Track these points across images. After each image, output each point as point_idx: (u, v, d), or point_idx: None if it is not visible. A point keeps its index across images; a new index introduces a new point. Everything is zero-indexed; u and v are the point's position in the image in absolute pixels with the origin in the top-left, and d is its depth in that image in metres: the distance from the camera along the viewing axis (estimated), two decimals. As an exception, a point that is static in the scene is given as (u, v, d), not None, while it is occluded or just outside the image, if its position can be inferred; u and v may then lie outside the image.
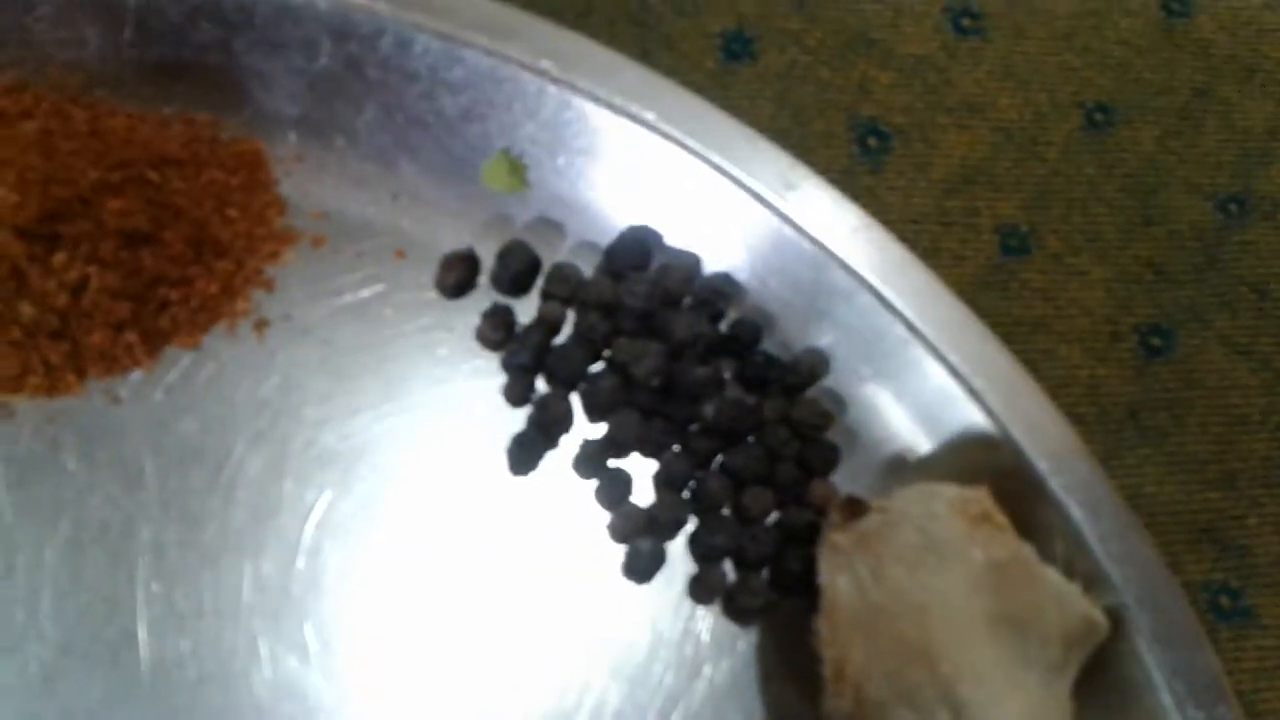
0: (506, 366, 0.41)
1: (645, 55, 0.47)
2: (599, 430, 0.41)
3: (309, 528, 0.38)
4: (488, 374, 0.41)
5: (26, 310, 0.36)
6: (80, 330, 0.37)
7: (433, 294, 0.42)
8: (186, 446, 0.38)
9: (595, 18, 0.47)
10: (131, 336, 0.38)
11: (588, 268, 0.43)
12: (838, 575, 0.33)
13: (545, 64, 0.42)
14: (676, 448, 0.41)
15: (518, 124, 0.42)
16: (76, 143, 0.38)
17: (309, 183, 0.42)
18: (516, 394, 0.41)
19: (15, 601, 0.36)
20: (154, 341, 0.38)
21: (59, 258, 0.36)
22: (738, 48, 0.49)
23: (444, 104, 0.42)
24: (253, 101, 0.42)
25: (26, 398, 0.37)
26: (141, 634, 0.36)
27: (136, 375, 0.38)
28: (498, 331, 0.41)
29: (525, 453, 0.40)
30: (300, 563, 0.38)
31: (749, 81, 0.48)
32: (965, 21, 0.51)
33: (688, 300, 0.42)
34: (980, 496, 0.34)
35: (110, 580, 0.36)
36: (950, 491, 0.34)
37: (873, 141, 0.48)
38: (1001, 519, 0.34)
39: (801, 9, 0.50)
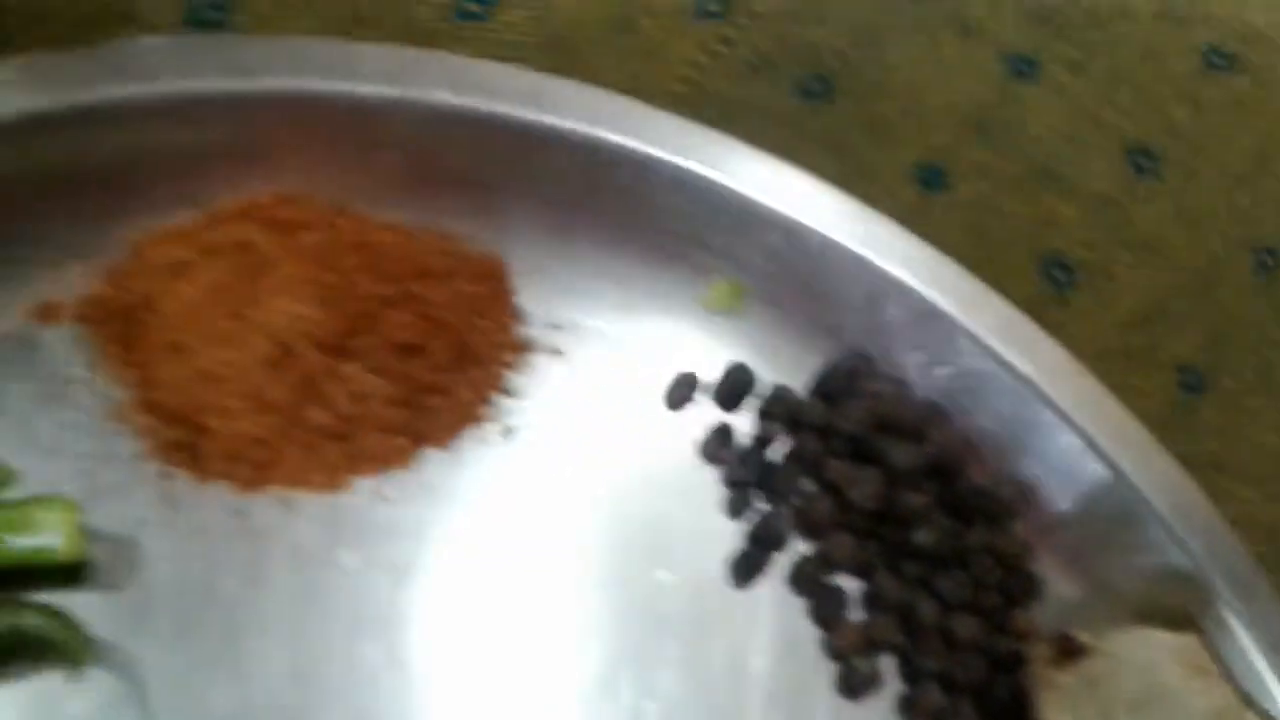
0: (729, 482, 0.44)
1: (844, 182, 0.50)
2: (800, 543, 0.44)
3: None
4: (703, 485, 0.44)
5: (316, 415, 0.39)
6: (358, 434, 0.40)
7: (658, 405, 0.45)
8: (451, 542, 0.41)
9: (805, 148, 0.51)
10: (401, 440, 0.41)
11: (798, 385, 0.46)
12: (1063, 716, 0.35)
13: (765, 195, 0.46)
14: (886, 569, 0.44)
15: (742, 250, 0.46)
16: (355, 257, 0.41)
17: (545, 295, 0.46)
18: (737, 508, 0.44)
19: (296, 677, 0.38)
20: (417, 444, 0.41)
21: (348, 368, 0.39)
22: (931, 178, 0.52)
23: (675, 228, 0.46)
24: (496, 216, 0.46)
25: (306, 493, 0.40)
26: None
27: (400, 474, 0.42)
28: (722, 448, 0.44)
29: (748, 566, 0.43)
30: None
31: (943, 211, 0.51)
32: (1143, 160, 0.54)
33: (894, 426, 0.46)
34: (1197, 646, 0.36)
35: (387, 671, 0.39)
36: (1169, 639, 0.36)
37: (1058, 274, 0.51)
38: (1214, 666, 0.37)
39: (989, 143, 0.53)
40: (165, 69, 0.41)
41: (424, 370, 0.41)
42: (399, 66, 0.43)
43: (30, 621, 0.35)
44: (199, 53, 0.42)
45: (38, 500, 0.36)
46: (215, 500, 0.40)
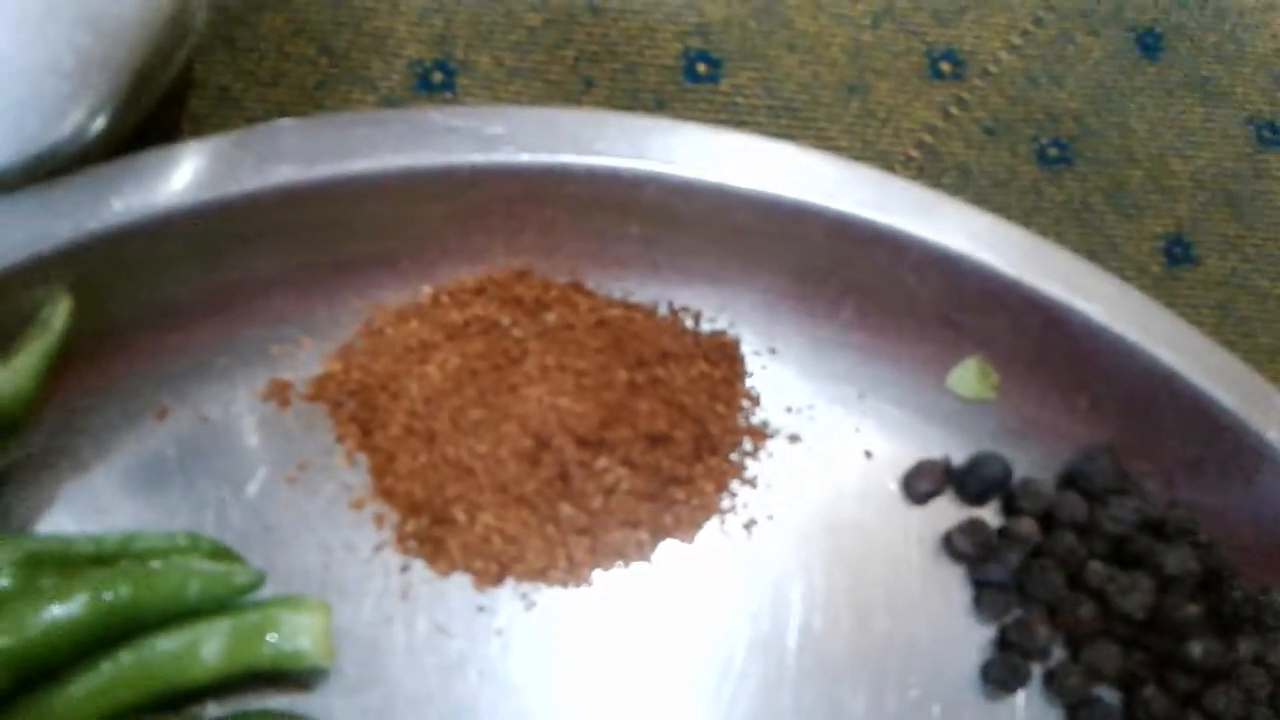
0: (981, 582, 0.42)
1: (1087, 254, 0.47)
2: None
3: None
4: (948, 583, 0.41)
5: (566, 510, 0.37)
6: (602, 528, 0.38)
7: (895, 496, 0.43)
8: (690, 638, 0.39)
9: (1045, 216, 0.48)
10: (643, 534, 0.39)
11: (1048, 477, 0.42)
12: None
13: (1024, 273, 0.43)
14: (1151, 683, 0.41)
15: (994, 332, 0.43)
16: (598, 338, 0.40)
17: (779, 377, 0.43)
18: (994, 611, 0.41)
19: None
20: (659, 537, 0.39)
21: (602, 462, 0.37)
22: (1179, 252, 0.49)
23: (921, 305, 0.43)
24: (727, 293, 0.44)
25: (546, 586, 0.39)
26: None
27: (638, 567, 0.40)
28: (973, 545, 0.42)
29: (1008, 674, 0.40)
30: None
31: (1191, 287, 0.48)
32: (1402, 234, 0.50)
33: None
34: None
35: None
36: None
37: (1316, 358, 0.48)
38: None
39: (1238, 215, 0.50)
40: (405, 140, 0.40)
41: (669, 461, 0.39)
42: (639, 136, 0.41)
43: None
44: (441, 123, 0.41)
45: (287, 602, 0.35)
46: (456, 594, 0.38)
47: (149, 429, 0.39)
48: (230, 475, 0.38)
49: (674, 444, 0.39)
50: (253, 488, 0.38)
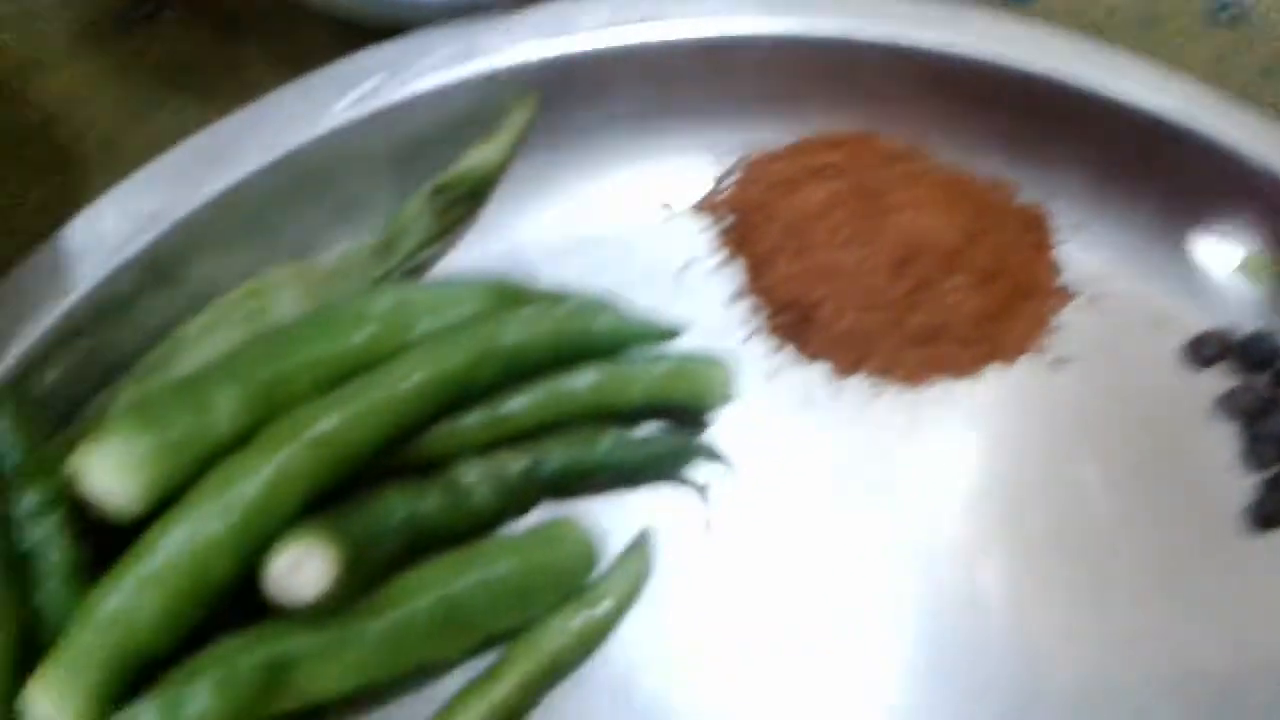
0: (1255, 435, 0.47)
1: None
2: None
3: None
4: (1223, 438, 0.46)
5: (917, 319, 0.44)
6: (941, 340, 0.45)
7: (1179, 361, 0.48)
8: (984, 463, 0.45)
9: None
10: (970, 353, 0.45)
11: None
12: None
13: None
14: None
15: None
16: (945, 191, 0.46)
17: (1080, 251, 0.49)
18: (1264, 460, 0.46)
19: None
20: (982, 361, 0.46)
21: (953, 281, 0.44)
22: None
23: (1218, 201, 0.48)
24: (1042, 173, 0.50)
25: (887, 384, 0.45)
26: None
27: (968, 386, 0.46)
28: (1251, 402, 0.47)
29: (1270, 511, 0.46)
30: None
31: None
32: None
33: None
34: None
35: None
36: None
37: None
38: None
39: None
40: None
41: (998, 297, 0.45)
42: (990, 29, 0.48)
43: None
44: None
45: (699, 355, 0.42)
46: (814, 377, 0.45)
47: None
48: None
49: (1001, 283, 0.46)
50: (677, 279, 0.46)
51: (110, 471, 0.34)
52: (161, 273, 0.41)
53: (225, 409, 0.36)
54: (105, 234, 0.41)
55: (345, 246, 0.42)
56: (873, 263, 0.44)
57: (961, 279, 0.44)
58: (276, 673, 0.34)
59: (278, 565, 0.33)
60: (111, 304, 0.40)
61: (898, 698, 0.41)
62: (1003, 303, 0.46)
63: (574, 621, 0.39)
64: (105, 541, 0.36)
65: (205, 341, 0.40)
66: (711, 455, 0.42)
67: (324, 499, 0.36)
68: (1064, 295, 0.48)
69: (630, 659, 0.40)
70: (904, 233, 0.44)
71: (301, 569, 0.33)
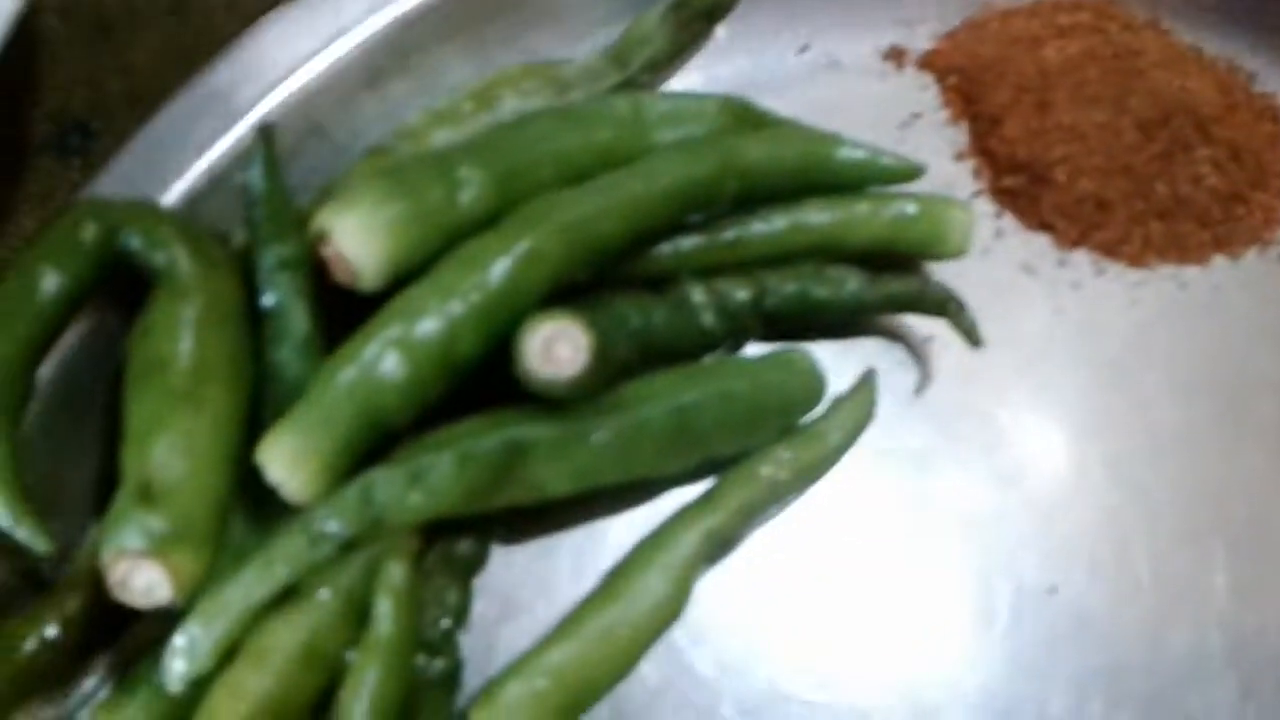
0: None
1: None
2: None
3: None
4: None
5: (1160, 188, 0.42)
6: (1179, 216, 0.43)
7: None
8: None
9: None
10: (1206, 236, 0.43)
11: None
12: None
13: None
14: None
15: None
16: (1191, 63, 0.44)
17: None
18: None
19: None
20: (1216, 248, 0.43)
21: (1203, 151, 0.42)
22: None
23: None
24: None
25: (1119, 264, 0.43)
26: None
27: (1191, 271, 0.44)
28: None
29: None
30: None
31: None
32: None
33: None
34: None
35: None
36: None
37: None
38: None
39: None
40: None
41: (1239, 178, 0.43)
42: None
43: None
44: None
45: (941, 197, 0.40)
46: (1034, 246, 0.43)
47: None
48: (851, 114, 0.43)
49: (1244, 164, 0.44)
50: (870, 131, 0.42)
51: (358, 233, 0.33)
52: (398, 58, 0.39)
53: (473, 187, 0.34)
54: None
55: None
56: (1121, 123, 0.42)
57: (1209, 152, 0.42)
58: (513, 458, 0.33)
59: (535, 339, 0.32)
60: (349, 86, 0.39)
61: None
62: (1241, 185, 0.43)
63: (797, 452, 0.37)
64: (336, 315, 0.35)
65: (437, 131, 0.38)
66: (957, 305, 0.40)
67: (561, 298, 0.35)
68: (1295, 191, 0.47)
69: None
70: (1160, 92, 0.42)
71: (557, 348, 0.32)
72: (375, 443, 0.33)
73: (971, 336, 0.40)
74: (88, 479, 0.36)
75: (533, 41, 0.42)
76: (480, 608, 0.37)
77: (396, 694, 0.33)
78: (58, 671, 0.33)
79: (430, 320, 0.32)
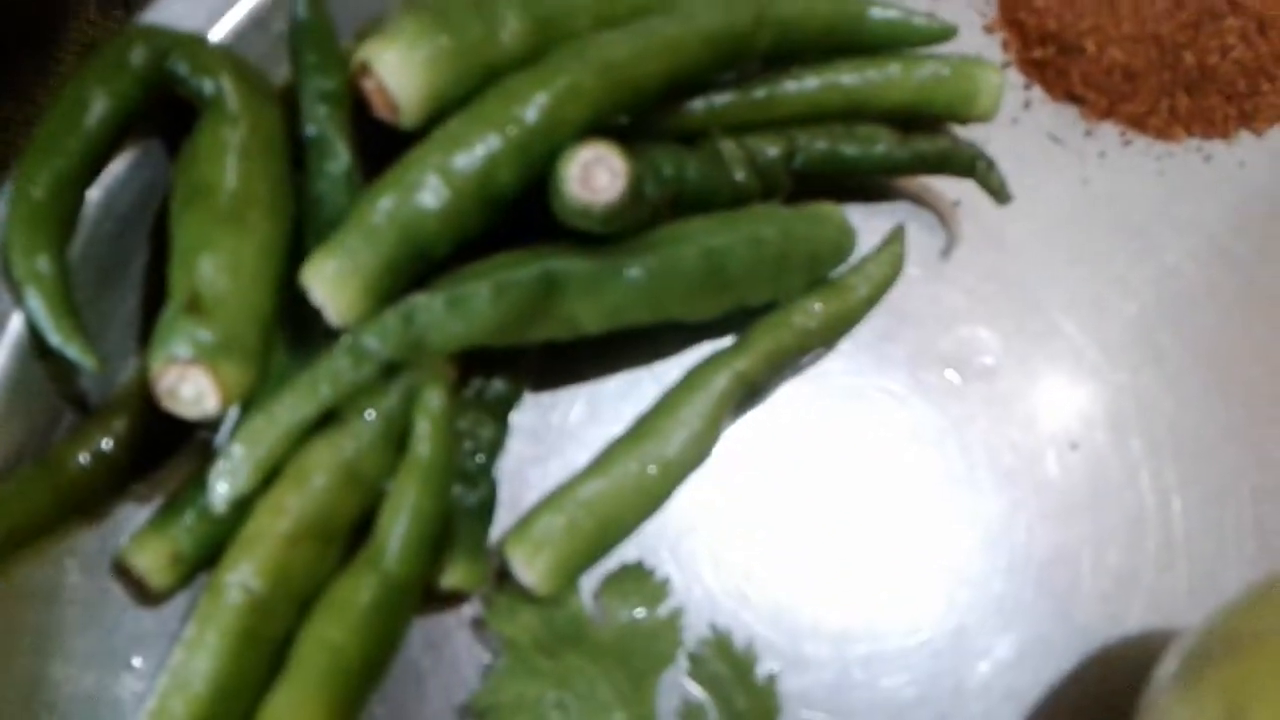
0: None
1: None
2: None
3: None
4: None
5: (1188, 58, 0.42)
6: (1205, 89, 0.43)
7: None
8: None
9: None
10: (1231, 110, 0.44)
11: None
12: None
13: None
14: None
15: None
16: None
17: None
18: None
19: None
20: (1240, 122, 0.44)
21: (1230, 21, 0.42)
22: None
23: None
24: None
25: (1145, 136, 0.43)
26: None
27: (1216, 145, 0.44)
28: None
29: None
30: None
31: None
32: None
33: None
34: None
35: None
36: None
37: None
38: None
39: None
40: None
41: (1266, 53, 0.44)
42: None
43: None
44: None
45: (972, 59, 0.41)
46: (1062, 117, 0.44)
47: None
48: None
49: (1266, 40, 0.44)
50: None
51: (400, 66, 0.33)
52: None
53: (513, 26, 0.35)
54: None
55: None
56: (1152, -8, 0.43)
57: (1237, 23, 0.42)
58: (548, 290, 0.34)
59: (575, 164, 0.32)
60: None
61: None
62: (1268, 61, 0.44)
63: (826, 303, 0.38)
64: (374, 151, 0.36)
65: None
66: (986, 162, 0.40)
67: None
68: (1317, 77, 0.47)
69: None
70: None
71: (595, 174, 0.32)
72: (416, 269, 0.34)
73: (1000, 194, 0.41)
74: (130, 310, 0.37)
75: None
76: (512, 448, 0.38)
77: (435, 515, 0.34)
78: (101, 493, 0.34)
79: (470, 151, 0.33)
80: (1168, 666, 0.34)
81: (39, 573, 0.35)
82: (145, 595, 0.35)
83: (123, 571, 0.35)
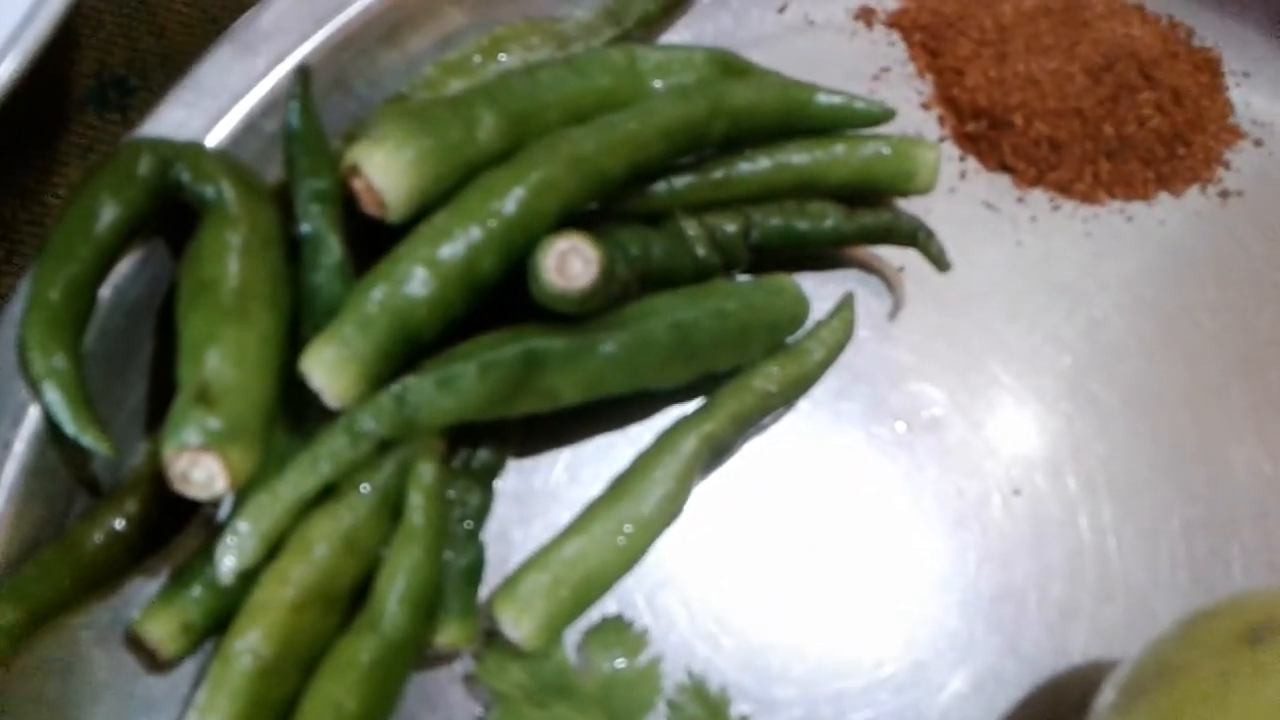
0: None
1: None
2: None
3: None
4: None
5: (1107, 130, 0.46)
6: (1124, 157, 0.47)
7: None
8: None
9: None
10: (1150, 174, 0.48)
11: None
12: None
13: None
14: None
15: None
16: (1125, 23, 0.48)
17: (1244, 97, 0.51)
18: None
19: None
20: (1158, 185, 0.48)
21: (1145, 95, 0.46)
22: None
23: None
24: (1212, 19, 0.52)
25: (1072, 200, 0.47)
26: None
27: (1138, 206, 0.48)
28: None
29: None
30: None
31: None
32: None
33: None
34: None
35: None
36: None
37: None
38: None
39: None
40: None
41: (1179, 120, 0.47)
42: None
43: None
44: None
45: (908, 138, 0.44)
46: (996, 186, 0.47)
47: None
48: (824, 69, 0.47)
49: (1184, 108, 0.48)
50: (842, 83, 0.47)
51: (387, 166, 0.36)
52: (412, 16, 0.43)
53: (489, 127, 0.38)
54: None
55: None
56: (1071, 70, 0.46)
57: (1152, 95, 0.46)
58: (530, 367, 0.36)
59: (551, 255, 0.35)
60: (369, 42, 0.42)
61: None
62: (1182, 128, 0.48)
63: (784, 368, 0.41)
64: (363, 245, 0.39)
65: (450, 81, 0.42)
66: (926, 233, 0.44)
67: (568, 227, 0.38)
68: (1234, 133, 0.50)
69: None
70: (1105, 41, 0.46)
71: (570, 262, 0.35)
72: (407, 354, 0.36)
73: (940, 262, 0.44)
74: (139, 397, 0.39)
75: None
76: (497, 511, 0.41)
77: (428, 580, 0.36)
78: (115, 570, 0.37)
79: (454, 243, 0.36)
80: (1105, 697, 0.37)
81: (56, 646, 0.37)
82: (156, 663, 0.38)
83: (135, 642, 0.38)
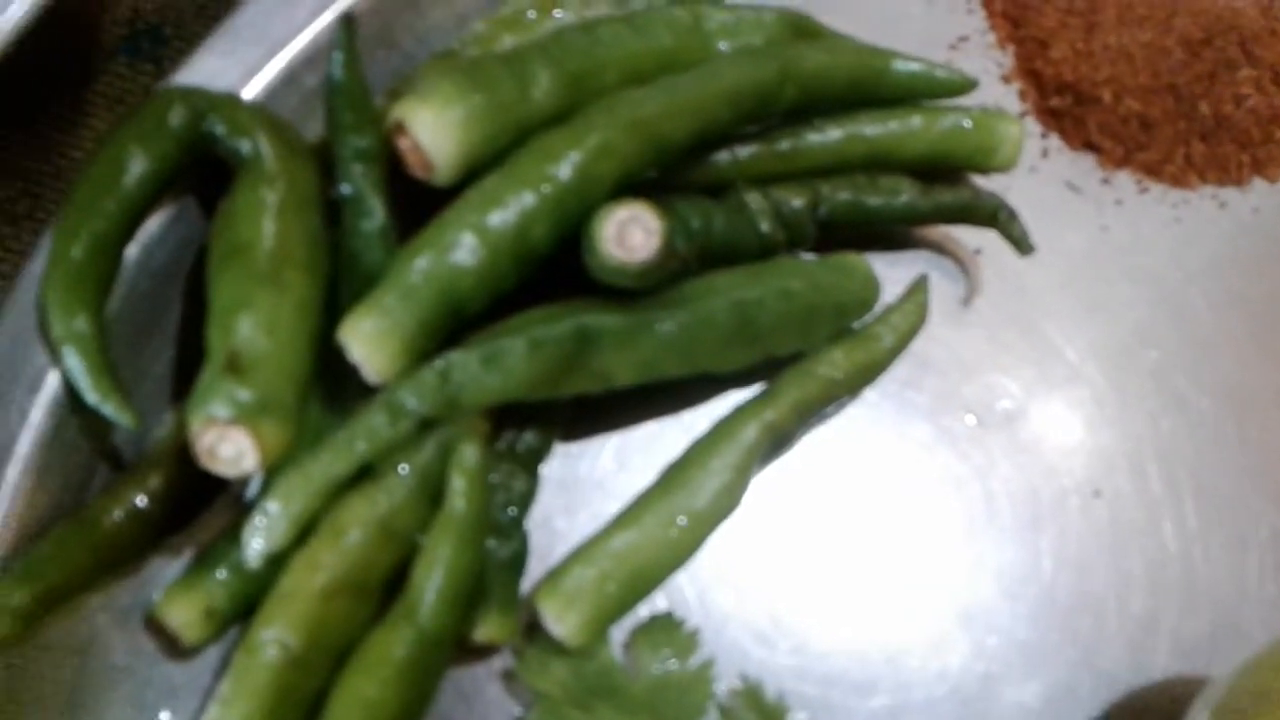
0: None
1: None
2: None
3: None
4: None
5: (1203, 108, 0.43)
6: (1220, 138, 0.44)
7: None
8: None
9: None
10: (1246, 157, 0.44)
11: None
12: None
13: None
14: None
15: None
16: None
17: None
18: None
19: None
20: (1254, 169, 0.45)
21: (1244, 72, 0.43)
22: None
23: None
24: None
25: (1161, 184, 0.44)
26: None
27: (1231, 192, 0.45)
28: None
29: None
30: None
31: None
32: None
33: None
34: None
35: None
36: None
37: None
38: None
39: None
40: None
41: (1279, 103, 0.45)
42: None
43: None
44: None
45: (993, 111, 0.41)
46: (1079, 165, 0.44)
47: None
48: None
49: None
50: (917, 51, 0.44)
51: (435, 125, 0.33)
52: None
53: (544, 86, 0.35)
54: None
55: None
56: (1167, 43, 0.43)
57: (1251, 73, 0.43)
58: (582, 345, 0.34)
59: (610, 224, 0.33)
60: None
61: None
62: (1281, 110, 0.45)
63: (851, 353, 0.39)
64: (407, 209, 0.36)
65: (503, 37, 0.39)
66: (1008, 213, 0.41)
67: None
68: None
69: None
70: (1206, 13, 0.43)
71: (630, 233, 0.33)
72: (452, 327, 0.34)
73: (1022, 244, 0.41)
74: (165, 366, 0.37)
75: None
76: (540, 499, 0.38)
77: (469, 570, 0.34)
78: (136, 549, 0.35)
79: (505, 210, 0.33)
80: (1196, 718, 0.34)
81: (72, 627, 0.35)
82: (177, 649, 0.35)
83: (155, 626, 0.35)
